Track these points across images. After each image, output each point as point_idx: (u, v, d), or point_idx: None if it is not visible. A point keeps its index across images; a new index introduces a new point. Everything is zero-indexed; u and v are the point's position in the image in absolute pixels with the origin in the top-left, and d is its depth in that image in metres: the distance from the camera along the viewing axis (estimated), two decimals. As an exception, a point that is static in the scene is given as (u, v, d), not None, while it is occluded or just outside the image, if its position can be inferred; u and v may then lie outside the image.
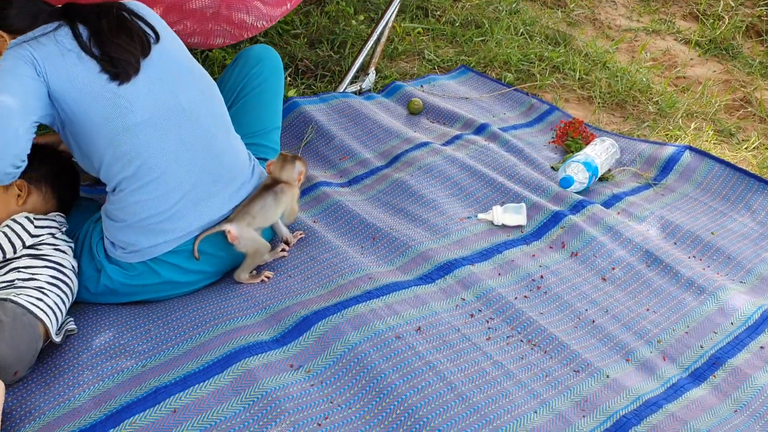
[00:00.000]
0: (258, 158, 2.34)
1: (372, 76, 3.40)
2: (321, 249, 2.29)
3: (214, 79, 2.24)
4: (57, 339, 1.87)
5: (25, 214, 1.98)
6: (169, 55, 2.03)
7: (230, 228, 2.05)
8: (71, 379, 1.80)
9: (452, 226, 2.43)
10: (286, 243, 2.30)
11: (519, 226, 2.47)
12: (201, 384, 1.78)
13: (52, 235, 2.00)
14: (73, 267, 1.99)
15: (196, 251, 2.03)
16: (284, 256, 2.26)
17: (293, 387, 1.78)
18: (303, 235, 2.34)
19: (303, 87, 3.35)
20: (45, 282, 1.89)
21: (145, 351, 1.89)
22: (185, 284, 2.09)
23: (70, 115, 1.88)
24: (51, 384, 1.79)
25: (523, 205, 2.50)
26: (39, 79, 1.84)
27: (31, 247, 1.95)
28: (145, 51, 1.97)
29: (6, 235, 1.92)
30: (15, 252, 1.93)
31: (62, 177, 2.11)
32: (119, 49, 1.92)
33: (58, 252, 1.98)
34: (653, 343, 2.07)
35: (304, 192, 2.59)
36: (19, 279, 1.88)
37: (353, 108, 3.09)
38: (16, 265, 1.91)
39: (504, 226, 2.47)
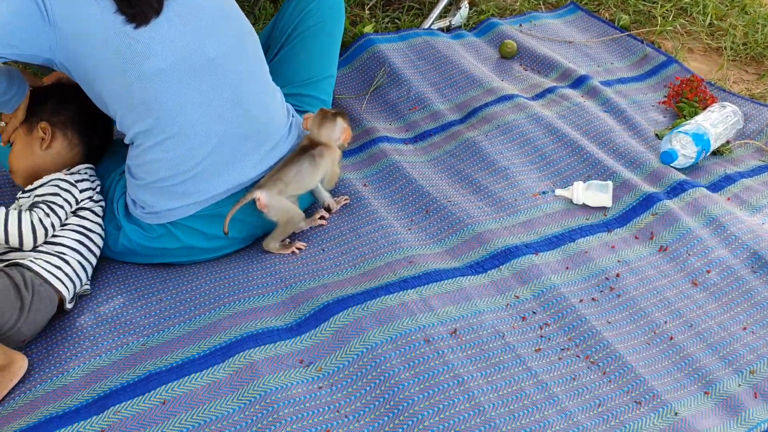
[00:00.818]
0: (303, 111, 2.08)
1: (464, 10, 3.02)
2: (364, 219, 2.02)
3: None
4: (69, 306, 1.74)
5: (66, 178, 1.82)
6: None
7: (260, 195, 1.83)
8: (70, 349, 1.67)
9: (521, 203, 2.09)
10: (327, 210, 2.05)
11: (602, 208, 2.10)
12: (197, 374, 1.60)
13: (90, 198, 1.85)
14: (101, 233, 1.85)
15: (227, 226, 1.82)
16: (323, 225, 2.02)
17: (297, 388, 1.57)
18: (347, 201, 2.08)
19: (386, 21, 3.02)
20: (68, 248, 1.75)
21: (149, 325, 1.73)
22: (209, 250, 1.90)
23: (78, 58, 1.68)
24: (50, 352, 1.67)
25: (610, 183, 2.12)
26: (38, 13, 1.60)
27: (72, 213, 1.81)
28: None
29: (60, 207, 1.77)
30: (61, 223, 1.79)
31: (90, 122, 1.93)
32: None
33: (90, 215, 1.83)
34: (744, 374, 1.70)
35: (359, 148, 2.32)
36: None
37: (435, 48, 2.74)
38: None
39: (584, 207, 2.10)
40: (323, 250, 1.95)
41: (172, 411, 1.54)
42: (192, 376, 1.59)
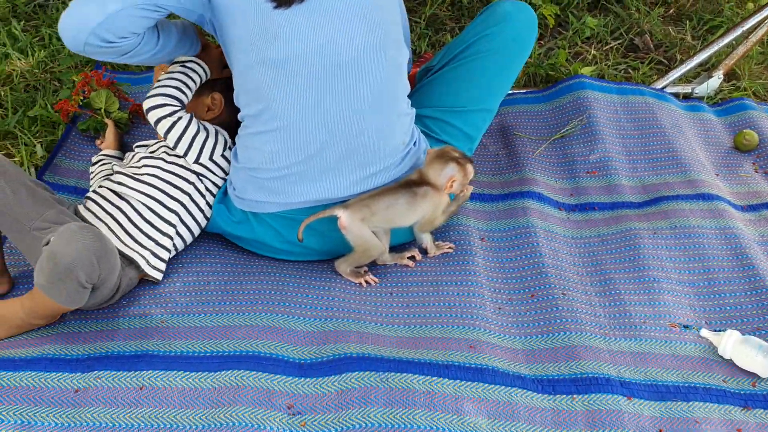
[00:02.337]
0: (440, 141, 1.84)
1: (715, 81, 2.53)
2: (455, 278, 1.75)
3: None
4: (154, 274, 1.69)
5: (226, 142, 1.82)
6: None
7: (341, 214, 1.65)
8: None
9: (650, 329, 1.67)
10: (424, 252, 1.80)
11: (752, 375, 1.60)
12: (184, 373, 1.48)
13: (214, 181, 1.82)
14: (206, 214, 1.80)
15: (301, 233, 1.67)
16: (409, 266, 1.78)
17: (268, 436, 1.38)
18: (451, 250, 1.82)
19: (621, 67, 2.63)
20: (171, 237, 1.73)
21: (180, 304, 1.65)
22: (281, 251, 1.77)
23: (222, 26, 1.60)
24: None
25: (779, 349, 1.61)
26: None
27: (195, 173, 1.79)
28: None
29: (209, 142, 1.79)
30: (196, 159, 1.77)
31: None
32: None
33: (201, 199, 1.78)
34: None
35: (502, 196, 2.03)
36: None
37: (654, 114, 2.32)
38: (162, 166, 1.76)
39: (729, 364, 1.62)
40: (390, 294, 1.71)
41: (142, 400, 1.43)
42: (179, 372, 1.48)
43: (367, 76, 1.62)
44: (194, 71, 1.80)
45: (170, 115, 1.72)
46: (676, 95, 2.50)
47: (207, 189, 1.78)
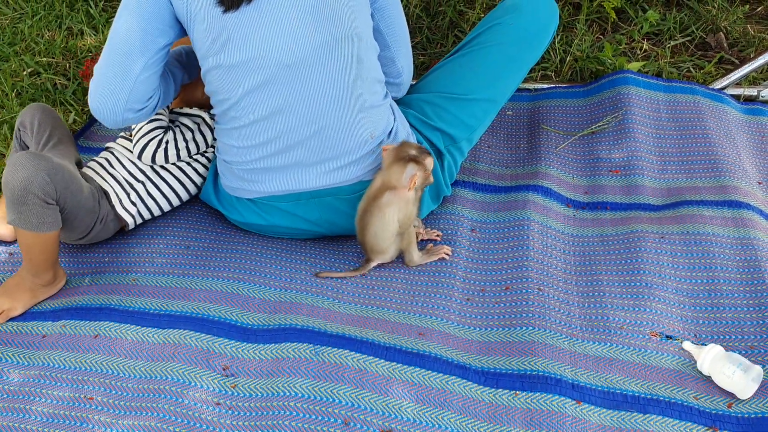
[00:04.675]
0: (435, 128, 1.80)
1: (786, 84, 2.31)
2: (430, 268, 1.72)
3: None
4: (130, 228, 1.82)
5: (209, 122, 1.92)
6: None
7: (375, 264, 1.71)
8: (102, 255, 1.75)
9: (625, 335, 1.56)
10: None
11: (730, 396, 1.46)
12: (135, 327, 1.55)
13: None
14: (197, 183, 1.90)
15: (322, 275, 1.71)
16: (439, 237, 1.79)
17: (195, 392, 1.42)
18: (438, 238, 1.78)
19: (684, 67, 2.46)
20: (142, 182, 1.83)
21: (157, 265, 1.73)
22: (264, 228, 1.80)
23: (186, 31, 1.63)
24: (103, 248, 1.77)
25: (761, 370, 1.45)
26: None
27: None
28: None
29: (192, 142, 1.88)
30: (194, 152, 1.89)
31: None
32: None
33: (199, 166, 1.90)
34: None
35: (506, 188, 1.96)
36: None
37: (701, 115, 2.16)
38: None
39: (707, 381, 1.48)
40: (361, 275, 1.70)
41: (94, 347, 1.52)
42: (131, 326, 1.55)
43: (320, 74, 1.58)
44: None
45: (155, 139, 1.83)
46: (736, 97, 2.30)
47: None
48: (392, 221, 1.63)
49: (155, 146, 1.80)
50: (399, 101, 1.83)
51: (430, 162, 1.63)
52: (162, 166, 1.83)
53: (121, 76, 1.54)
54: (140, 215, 1.81)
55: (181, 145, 1.83)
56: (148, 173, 1.82)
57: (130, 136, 1.89)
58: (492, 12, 1.90)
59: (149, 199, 1.82)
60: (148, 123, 1.82)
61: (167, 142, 1.81)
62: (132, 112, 1.59)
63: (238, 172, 1.71)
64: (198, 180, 1.88)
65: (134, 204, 1.79)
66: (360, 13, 1.58)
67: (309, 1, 1.52)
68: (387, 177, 1.62)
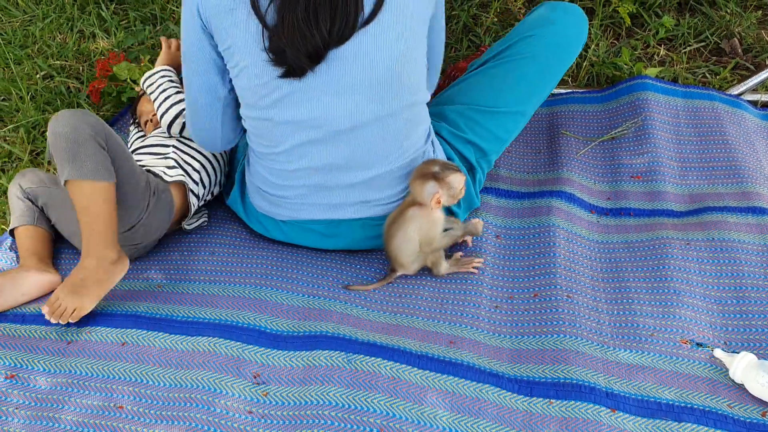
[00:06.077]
0: (468, 141, 1.79)
1: (804, 89, 2.31)
2: (453, 275, 1.70)
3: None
4: (187, 227, 1.82)
5: None
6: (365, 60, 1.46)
7: (399, 274, 1.70)
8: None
9: (656, 342, 1.55)
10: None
11: (764, 404, 1.45)
12: (164, 334, 1.53)
13: None
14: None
15: (353, 288, 1.69)
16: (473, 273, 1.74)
17: (227, 400, 1.40)
18: (479, 265, 1.75)
19: (700, 72, 2.46)
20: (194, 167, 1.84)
21: (182, 271, 1.71)
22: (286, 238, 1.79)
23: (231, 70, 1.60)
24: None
25: (797, 378, 1.45)
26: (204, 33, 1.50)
27: None
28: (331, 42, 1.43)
29: None
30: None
31: None
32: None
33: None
34: None
35: (530, 194, 1.95)
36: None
37: (720, 121, 2.16)
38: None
39: (740, 389, 1.48)
40: (389, 282, 1.69)
41: (122, 355, 1.50)
42: (159, 333, 1.54)
43: (373, 137, 1.56)
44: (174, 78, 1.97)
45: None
46: (754, 103, 2.31)
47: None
48: (413, 238, 1.61)
49: (176, 110, 1.85)
50: (430, 110, 1.81)
51: (454, 178, 1.59)
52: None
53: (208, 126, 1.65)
54: (187, 174, 1.79)
55: None
56: (174, 141, 1.87)
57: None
58: (521, 23, 1.89)
59: (187, 154, 1.83)
60: (172, 91, 1.88)
61: None
62: (226, 146, 1.72)
63: (271, 198, 1.70)
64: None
65: (177, 165, 1.79)
66: (420, 82, 1.56)
67: (369, 76, 1.47)
68: (412, 193, 1.61)
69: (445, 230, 1.68)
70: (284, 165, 1.61)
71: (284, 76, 1.45)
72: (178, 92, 1.89)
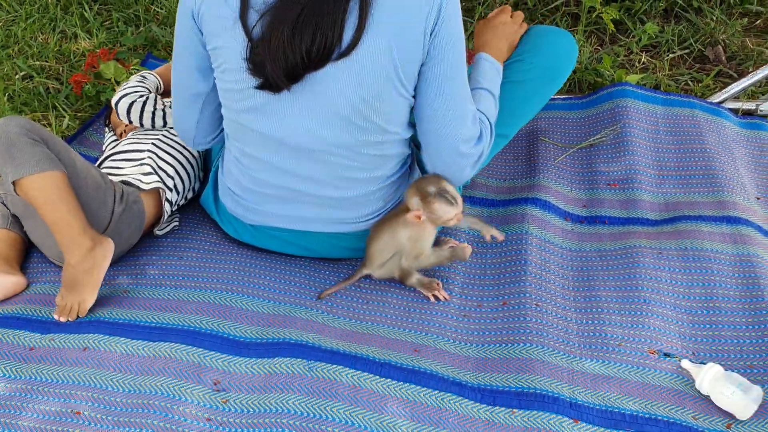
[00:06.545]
0: None
1: (785, 98, 2.30)
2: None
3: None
4: (158, 232, 1.82)
5: None
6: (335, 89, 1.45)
7: (366, 273, 1.69)
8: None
9: (623, 352, 1.54)
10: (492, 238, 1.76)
11: (729, 416, 1.44)
12: (125, 339, 1.52)
13: None
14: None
15: (325, 295, 1.67)
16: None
17: (185, 407, 1.39)
18: (467, 251, 1.71)
19: (682, 80, 2.45)
20: (167, 172, 1.82)
21: (149, 276, 1.70)
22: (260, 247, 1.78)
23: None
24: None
25: (761, 390, 1.43)
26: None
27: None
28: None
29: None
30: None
31: None
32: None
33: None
34: None
35: (504, 202, 1.95)
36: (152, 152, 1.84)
37: (699, 129, 2.15)
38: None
39: (706, 401, 1.46)
40: (357, 287, 1.68)
41: (83, 360, 1.49)
42: (121, 338, 1.52)
43: (339, 163, 1.55)
44: (147, 79, 1.97)
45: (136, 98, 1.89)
46: (735, 111, 2.29)
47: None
48: (400, 243, 1.60)
49: (131, 99, 1.86)
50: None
51: (440, 208, 1.55)
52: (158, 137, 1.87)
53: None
54: (162, 181, 1.78)
55: (159, 106, 1.88)
56: (149, 145, 1.85)
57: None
58: (520, 43, 1.87)
59: (162, 160, 1.83)
60: (133, 83, 1.91)
61: (145, 100, 1.87)
62: (206, 144, 1.72)
63: (240, 201, 1.69)
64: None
65: (153, 171, 1.78)
66: (399, 121, 1.53)
67: (338, 108, 1.46)
68: (406, 201, 1.60)
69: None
70: (255, 172, 1.60)
71: (260, 87, 1.45)
72: (137, 84, 1.91)
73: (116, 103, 1.87)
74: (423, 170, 1.72)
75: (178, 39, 1.54)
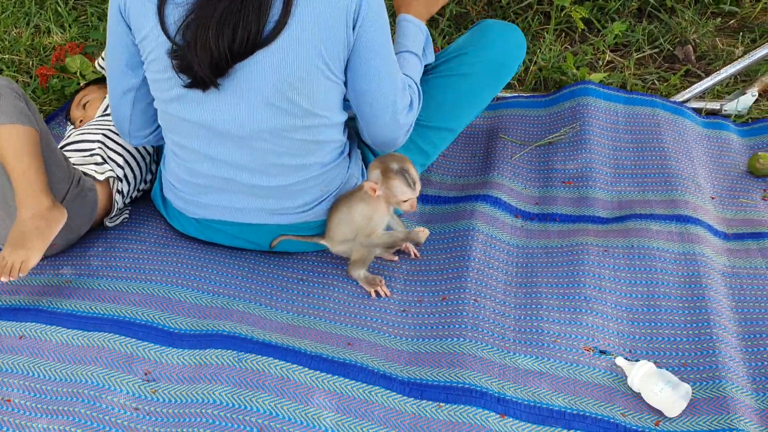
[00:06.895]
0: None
1: (749, 98, 2.30)
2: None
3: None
4: (109, 224, 1.83)
5: None
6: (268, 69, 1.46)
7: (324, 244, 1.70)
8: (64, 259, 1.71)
9: (557, 348, 1.53)
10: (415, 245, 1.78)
11: (658, 413, 1.43)
12: (60, 328, 1.54)
13: None
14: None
15: (274, 244, 1.71)
16: (394, 261, 1.76)
17: (113, 396, 1.40)
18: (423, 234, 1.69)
19: (649, 79, 2.44)
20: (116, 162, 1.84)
21: (93, 267, 1.71)
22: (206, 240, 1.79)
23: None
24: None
25: (689, 389, 1.43)
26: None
27: None
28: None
29: None
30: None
31: None
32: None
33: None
34: None
35: (456, 199, 1.95)
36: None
37: (659, 128, 2.14)
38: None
39: (637, 398, 1.46)
40: (301, 280, 1.69)
41: (19, 348, 1.50)
42: (56, 327, 1.54)
43: (269, 149, 1.56)
44: None
45: None
46: (698, 110, 2.29)
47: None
48: (354, 219, 1.61)
49: None
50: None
51: (397, 186, 1.55)
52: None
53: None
54: (112, 169, 1.79)
55: None
56: (99, 136, 1.86)
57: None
58: (460, 39, 1.88)
59: (112, 150, 1.83)
60: None
61: None
62: (142, 139, 1.72)
63: (181, 195, 1.70)
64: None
65: (104, 161, 1.79)
66: (330, 105, 1.53)
67: (264, 93, 1.47)
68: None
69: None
70: (189, 163, 1.61)
71: (189, 86, 1.47)
72: None
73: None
74: (366, 160, 1.73)
75: (108, 35, 1.56)
